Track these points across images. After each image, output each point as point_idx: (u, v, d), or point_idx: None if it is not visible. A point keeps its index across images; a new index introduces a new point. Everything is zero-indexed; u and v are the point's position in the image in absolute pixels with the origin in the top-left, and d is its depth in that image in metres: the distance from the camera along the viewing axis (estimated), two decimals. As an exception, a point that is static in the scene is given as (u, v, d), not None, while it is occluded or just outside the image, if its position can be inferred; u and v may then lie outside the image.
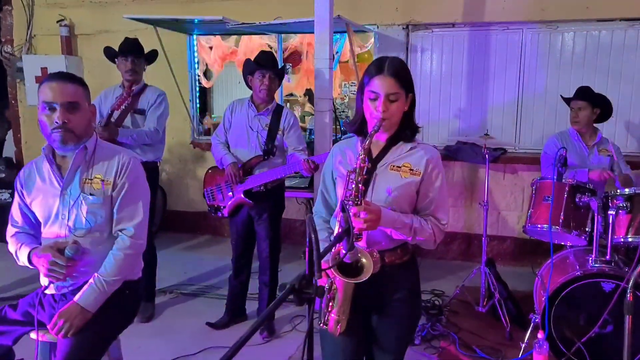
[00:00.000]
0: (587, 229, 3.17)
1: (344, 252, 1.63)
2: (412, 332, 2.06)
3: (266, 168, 3.37)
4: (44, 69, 5.94)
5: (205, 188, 3.59)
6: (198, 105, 5.88)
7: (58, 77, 2.00)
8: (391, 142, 1.92)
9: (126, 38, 3.74)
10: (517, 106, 4.80)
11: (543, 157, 3.74)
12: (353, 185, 1.77)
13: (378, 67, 1.84)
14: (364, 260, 1.76)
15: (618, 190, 3.10)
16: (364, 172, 1.78)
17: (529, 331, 3.16)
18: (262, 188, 3.36)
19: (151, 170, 3.76)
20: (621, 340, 2.09)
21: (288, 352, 3.28)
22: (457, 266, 4.79)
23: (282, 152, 3.42)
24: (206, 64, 5.88)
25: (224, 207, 3.47)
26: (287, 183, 4.67)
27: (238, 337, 3.63)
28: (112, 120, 3.52)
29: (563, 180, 3.17)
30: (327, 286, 1.83)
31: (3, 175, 6.24)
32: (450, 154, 4.67)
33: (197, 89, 5.80)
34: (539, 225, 3.25)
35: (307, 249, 1.26)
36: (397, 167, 1.88)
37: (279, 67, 3.43)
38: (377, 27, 5.01)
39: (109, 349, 2.19)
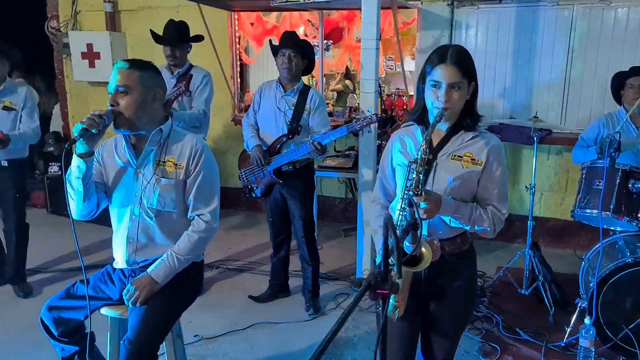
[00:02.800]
0: (639, 215, 3.13)
1: (410, 246, 1.67)
2: (468, 318, 2.11)
3: (292, 147, 3.41)
4: (89, 45, 6.06)
5: (239, 169, 3.67)
6: (239, 82, 5.92)
7: (118, 63, 2.08)
8: (452, 132, 1.92)
9: (168, 22, 3.77)
10: (564, 85, 4.68)
11: (580, 139, 3.67)
12: (414, 176, 1.80)
13: (441, 55, 1.83)
14: (423, 249, 1.80)
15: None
16: (425, 163, 1.80)
17: (574, 316, 3.17)
18: (290, 167, 3.41)
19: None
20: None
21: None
22: (496, 246, 4.78)
23: (308, 131, 3.45)
24: (247, 41, 5.89)
25: (257, 187, 3.55)
26: (331, 162, 4.72)
27: (283, 311, 3.77)
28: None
29: (616, 166, 3.11)
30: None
31: (52, 148, 6.46)
32: (495, 133, 4.60)
33: (239, 65, 5.84)
34: (589, 211, 3.22)
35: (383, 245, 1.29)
36: (459, 156, 1.89)
37: (300, 44, 3.41)
38: (422, 3, 4.92)
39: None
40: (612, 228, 3.38)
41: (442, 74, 1.81)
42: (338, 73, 6.60)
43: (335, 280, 4.07)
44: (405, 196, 1.83)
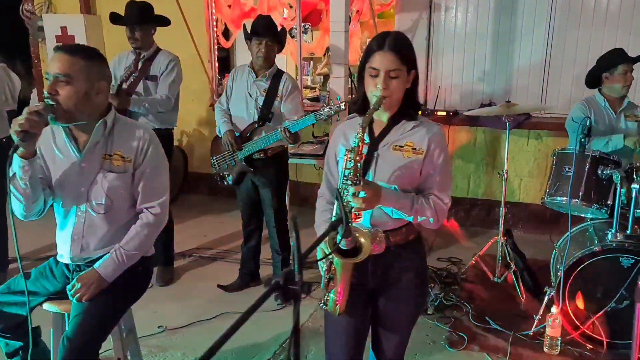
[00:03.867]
0: (608, 202, 3.07)
1: (339, 239, 1.61)
2: (417, 313, 2.05)
3: (263, 134, 3.33)
4: (63, 29, 5.91)
5: (211, 156, 3.59)
6: (217, 66, 5.81)
7: (60, 49, 1.94)
8: (393, 121, 1.87)
9: (129, 3, 3.65)
10: (544, 68, 4.59)
11: (569, 124, 3.58)
12: (351, 165, 1.74)
13: (379, 42, 1.77)
14: (362, 240, 1.74)
15: (644, 162, 2.97)
16: (362, 151, 1.74)
17: (543, 304, 3.12)
18: (262, 155, 3.34)
19: (165, 137, 3.77)
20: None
21: (302, 318, 3.33)
22: (476, 233, 4.73)
23: (280, 118, 3.36)
24: (225, 24, 5.76)
25: (229, 175, 3.48)
26: (306, 148, 4.64)
27: (251, 301, 3.68)
28: (124, 89, 3.50)
29: (585, 152, 3.05)
30: (325, 266, 1.82)
31: (29, 134, 6.37)
32: (473, 119, 4.53)
33: (216, 50, 5.72)
34: (558, 198, 3.17)
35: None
36: (400, 146, 1.84)
37: (277, 32, 3.32)
38: (400, -15, 4.81)
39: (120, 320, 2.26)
40: (582, 215, 3.32)
41: (379, 60, 1.75)
42: (323, 56, 6.48)
43: (308, 270, 4.01)
44: (344, 187, 1.77)
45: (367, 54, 1.79)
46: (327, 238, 1.63)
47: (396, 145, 1.84)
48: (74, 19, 5.87)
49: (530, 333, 3.09)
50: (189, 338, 3.13)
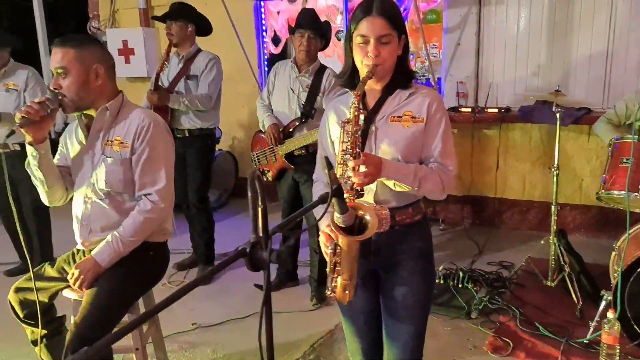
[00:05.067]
0: (673, 197, 2.76)
1: (337, 215, 1.51)
2: (427, 298, 1.89)
3: (305, 131, 3.26)
4: (124, 42, 6.21)
5: (252, 152, 3.57)
6: (267, 73, 5.86)
7: (54, 43, 2.00)
8: (387, 92, 1.77)
9: (173, 2, 3.76)
10: (606, 60, 4.26)
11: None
12: (349, 138, 1.64)
13: (366, 8, 1.67)
14: (367, 217, 1.63)
15: None
16: (359, 121, 1.64)
17: (599, 309, 2.84)
18: (303, 151, 3.27)
19: (207, 136, 3.83)
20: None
21: (336, 319, 3.22)
22: (531, 237, 4.43)
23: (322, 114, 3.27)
24: (274, 30, 5.82)
25: (269, 171, 3.43)
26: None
27: (288, 300, 3.63)
28: (161, 84, 3.59)
29: (645, 140, 2.76)
30: (330, 248, 1.72)
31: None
32: (525, 114, 4.27)
33: (265, 56, 5.78)
34: (615, 192, 2.88)
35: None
36: (398, 117, 1.73)
37: (321, 25, 3.27)
38: (447, -20, 4.65)
39: (140, 307, 2.25)
40: (642, 211, 3.00)
41: (369, 26, 1.65)
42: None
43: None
44: (342, 161, 1.67)
45: (354, 21, 1.69)
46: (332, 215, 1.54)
47: (394, 117, 1.73)
48: (134, 32, 6.15)
49: (585, 341, 2.81)
50: (220, 335, 3.10)
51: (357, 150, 1.63)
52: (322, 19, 3.44)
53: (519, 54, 4.54)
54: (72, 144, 2.17)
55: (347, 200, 1.53)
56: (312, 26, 3.22)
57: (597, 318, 2.83)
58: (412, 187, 1.67)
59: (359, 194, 1.67)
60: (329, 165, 1.41)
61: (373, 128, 1.74)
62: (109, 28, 6.48)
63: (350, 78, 1.76)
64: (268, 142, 3.35)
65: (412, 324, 1.83)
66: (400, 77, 1.75)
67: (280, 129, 3.31)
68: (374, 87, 1.77)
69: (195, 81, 3.69)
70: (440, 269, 3.58)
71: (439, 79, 4.96)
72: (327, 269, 1.75)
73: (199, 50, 3.78)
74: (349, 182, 1.63)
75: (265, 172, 3.47)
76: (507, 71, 4.61)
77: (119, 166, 2.08)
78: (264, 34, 5.73)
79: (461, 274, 3.42)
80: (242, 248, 1.12)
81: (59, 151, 2.22)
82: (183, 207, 3.96)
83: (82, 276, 2.03)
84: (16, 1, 8.26)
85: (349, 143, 1.63)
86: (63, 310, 2.39)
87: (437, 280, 3.40)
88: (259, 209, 1.13)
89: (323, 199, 1.38)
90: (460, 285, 3.39)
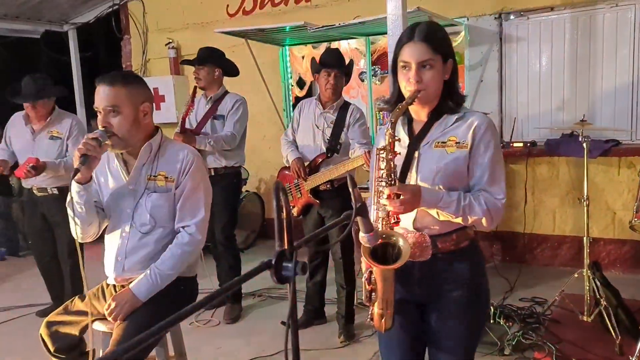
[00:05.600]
0: None
1: (362, 235, 1.51)
2: (475, 333, 1.82)
3: (331, 166, 3.29)
4: (155, 89, 6.44)
5: (278, 188, 3.61)
6: (292, 115, 5.98)
7: (101, 81, 2.05)
8: (434, 117, 1.74)
9: (201, 48, 3.91)
10: (632, 91, 4.24)
11: None
12: (385, 165, 1.63)
13: (408, 34, 1.69)
14: (400, 243, 1.62)
15: None
16: (394, 149, 1.64)
17: (639, 346, 2.72)
18: (328, 186, 3.30)
19: (233, 175, 3.90)
20: None
21: (364, 356, 3.16)
22: (564, 273, 4.29)
23: (348, 149, 3.33)
24: (299, 74, 5.98)
25: (294, 206, 3.46)
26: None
27: (315, 338, 3.58)
28: (190, 124, 3.70)
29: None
30: (365, 276, 1.71)
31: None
32: (552, 148, 4.24)
33: (291, 98, 5.92)
34: (649, 221, 2.81)
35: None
36: (442, 142, 1.70)
37: (345, 64, 3.36)
38: (467, 20, 4.74)
39: (168, 343, 2.26)
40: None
41: (409, 52, 1.66)
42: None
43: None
44: (378, 189, 1.67)
45: (398, 47, 1.70)
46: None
47: (438, 142, 1.70)
48: (164, 80, 6.40)
49: (626, 377, 2.69)
50: (247, 373, 3.07)
51: (393, 177, 1.62)
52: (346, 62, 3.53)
53: (543, 88, 4.55)
54: (104, 178, 2.22)
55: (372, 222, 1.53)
56: (338, 65, 3.31)
57: (637, 354, 2.71)
58: (456, 216, 1.64)
59: (396, 222, 1.66)
60: (353, 184, 1.43)
61: (416, 154, 1.72)
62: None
63: (396, 104, 1.72)
64: (293, 177, 3.39)
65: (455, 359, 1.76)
66: (448, 101, 1.72)
67: (306, 164, 3.36)
68: (420, 113, 1.76)
69: (222, 121, 3.79)
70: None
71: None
72: (363, 297, 1.74)
73: (226, 92, 3.90)
74: (385, 210, 1.62)
75: (290, 208, 3.49)
76: (531, 106, 4.62)
77: (164, 201, 2.12)
78: (290, 77, 5.89)
79: (492, 310, 3.33)
80: (268, 260, 1.13)
81: (92, 188, 2.27)
82: (210, 246, 4.00)
83: (118, 308, 2.05)
84: (55, 56, 8.71)
85: (384, 171, 1.62)
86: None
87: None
88: (284, 221, 1.15)
89: (348, 217, 1.39)
90: (492, 321, 3.30)
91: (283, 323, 3.63)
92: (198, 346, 3.38)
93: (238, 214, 4.03)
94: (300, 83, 6.04)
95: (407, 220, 1.73)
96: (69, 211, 2.11)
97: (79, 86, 8.17)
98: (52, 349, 2.22)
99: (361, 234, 1.52)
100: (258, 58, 5.33)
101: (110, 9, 7.22)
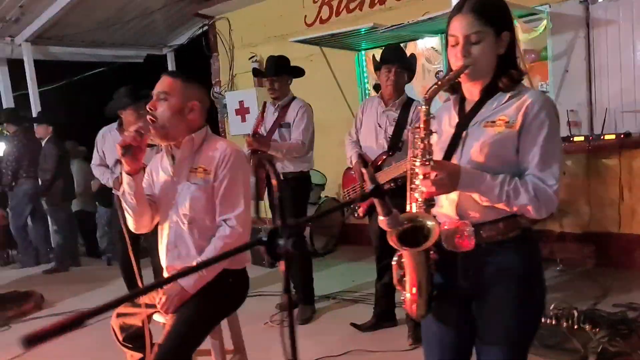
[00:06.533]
0: None
1: (381, 218, 1.46)
2: (526, 330, 1.66)
3: (393, 164, 3.22)
4: (240, 102, 6.74)
5: (343, 190, 3.61)
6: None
7: (166, 73, 2.20)
8: (486, 96, 1.61)
9: (269, 57, 4.02)
10: None
11: None
12: (419, 144, 1.54)
13: (458, 6, 1.58)
14: (429, 224, 1.54)
15: None
16: (429, 126, 1.54)
17: None
18: (392, 185, 3.23)
19: (303, 180, 3.96)
20: None
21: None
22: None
23: None
24: (375, 78, 5.95)
25: (359, 207, 3.42)
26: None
27: (384, 340, 3.51)
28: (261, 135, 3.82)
29: None
30: (395, 260, 1.65)
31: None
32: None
33: (368, 103, 5.90)
34: None
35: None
36: (492, 122, 1.57)
37: (406, 58, 3.29)
38: (549, 7, 4.45)
39: (224, 337, 2.32)
40: None
41: (456, 25, 1.55)
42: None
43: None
44: (412, 168, 1.58)
45: (448, 22, 1.60)
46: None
47: (488, 122, 1.58)
48: (248, 92, 6.67)
49: None
50: (311, 373, 3.07)
51: (428, 156, 1.53)
52: (421, 62, 3.45)
53: (638, 74, 4.15)
54: (157, 173, 2.34)
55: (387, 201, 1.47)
56: (398, 60, 3.26)
57: None
58: (499, 202, 1.51)
59: (430, 204, 1.57)
60: (364, 163, 1.39)
61: (464, 134, 1.61)
62: (227, 91, 7.09)
63: (453, 83, 1.63)
64: (357, 178, 3.37)
65: (508, 353, 1.63)
66: (502, 78, 1.58)
67: (369, 164, 3.32)
68: (472, 91, 1.64)
69: (288, 129, 3.85)
70: (551, 308, 3.23)
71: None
72: (394, 281, 1.69)
73: (293, 99, 3.96)
74: (418, 190, 1.55)
75: (356, 208, 3.47)
76: (625, 95, 4.22)
77: (202, 192, 2.19)
78: (366, 82, 5.88)
79: (576, 314, 3.06)
80: (259, 237, 1.12)
81: (144, 181, 2.38)
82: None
83: (168, 301, 2.14)
84: (157, 78, 9.43)
85: (419, 150, 1.54)
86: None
87: (547, 321, 3.08)
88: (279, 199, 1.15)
89: (363, 198, 1.36)
90: (575, 327, 3.03)
91: (353, 325, 3.60)
92: (269, 345, 3.41)
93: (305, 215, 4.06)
94: (377, 87, 5.97)
95: (448, 205, 1.64)
96: (122, 203, 2.23)
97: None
98: (120, 339, 2.37)
99: (380, 217, 1.48)
100: (334, 65, 5.41)
101: (201, 30, 7.69)
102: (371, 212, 3.42)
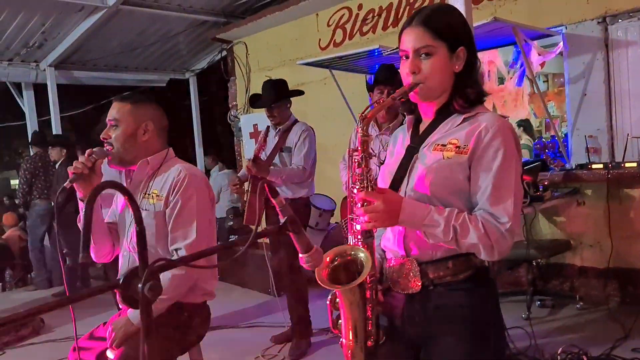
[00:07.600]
0: None
1: (301, 255, 1.30)
2: None
3: None
4: (255, 125, 6.68)
5: (341, 219, 3.43)
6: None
7: (116, 99, 2.12)
8: (441, 116, 1.46)
9: (264, 83, 3.89)
10: None
11: None
12: (356, 167, 1.40)
13: (408, 20, 1.45)
14: (360, 255, 1.38)
15: None
16: (367, 148, 1.40)
17: None
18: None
19: (303, 205, 3.80)
20: None
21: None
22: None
23: None
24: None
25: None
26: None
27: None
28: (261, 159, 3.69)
29: None
30: (330, 300, 1.48)
31: (231, 222, 7.10)
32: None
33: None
34: None
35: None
36: (442, 145, 1.41)
37: (400, 80, 3.12)
38: (566, 28, 4.22)
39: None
40: None
41: (406, 39, 1.42)
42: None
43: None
44: (352, 197, 1.41)
45: (399, 37, 1.46)
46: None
47: (438, 145, 1.42)
48: (262, 116, 6.52)
49: None
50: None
51: (366, 182, 1.37)
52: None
53: (661, 98, 3.86)
54: (119, 200, 2.24)
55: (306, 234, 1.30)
56: (390, 82, 3.10)
57: None
58: (445, 239, 1.33)
59: (368, 236, 1.40)
60: (274, 192, 1.24)
61: (414, 157, 1.46)
62: (243, 115, 7.05)
63: (406, 101, 1.49)
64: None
65: None
66: (457, 98, 1.43)
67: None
68: (427, 111, 1.50)
69: (288, 153, 3.72)
70: (558, 352, 2.96)
71: (566, 134, 4.40)
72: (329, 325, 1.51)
73: (294, 122, 3.81)
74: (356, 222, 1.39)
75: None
76: (647, 121, 3.93)
77: (152, 219, 2.06)
78: (379, 106, 5.73)
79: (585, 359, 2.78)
80: (117, 279, 0.97)
81: (110, 209, 2.31)
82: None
83: (114, 333, 2.01)
84: (181, 102, 9.56)
85: (356, 175, 1.39)
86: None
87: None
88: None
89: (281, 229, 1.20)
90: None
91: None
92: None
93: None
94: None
95: (393, 238, 1.48)
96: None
97: (197, 127, 8.81)
98: (76, 374, 2.25)
99: (300, 255, 1.31)
100: (346, 88, 5.29)
101: (220, 54, 7.74)
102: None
